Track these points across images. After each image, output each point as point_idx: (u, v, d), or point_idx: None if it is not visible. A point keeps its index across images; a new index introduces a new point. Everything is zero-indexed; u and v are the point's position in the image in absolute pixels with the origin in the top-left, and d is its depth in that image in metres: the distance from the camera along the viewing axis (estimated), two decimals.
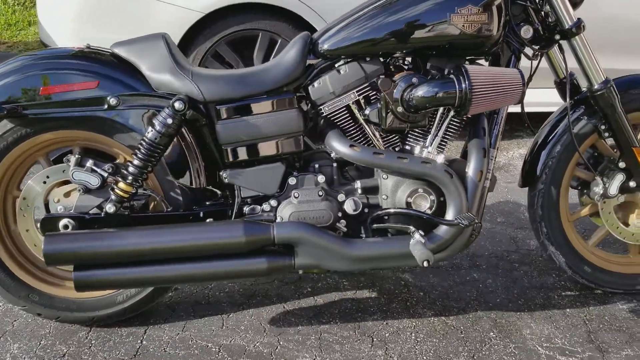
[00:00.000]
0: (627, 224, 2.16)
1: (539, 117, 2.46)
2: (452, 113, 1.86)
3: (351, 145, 1.80)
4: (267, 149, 1.82)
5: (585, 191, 2.18)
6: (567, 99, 1.94)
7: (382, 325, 2.07)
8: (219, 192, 1.96)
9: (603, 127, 2.01)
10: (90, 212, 1.81)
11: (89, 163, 1.77)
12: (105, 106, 1.74)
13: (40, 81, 1.73)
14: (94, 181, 1.77)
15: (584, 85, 2.02)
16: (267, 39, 3.06)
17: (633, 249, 2.25)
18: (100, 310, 1.95)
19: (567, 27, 1.86)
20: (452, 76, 1.74)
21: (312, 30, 3.09)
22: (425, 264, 1.65)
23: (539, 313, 2.15)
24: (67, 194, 1.85)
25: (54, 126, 1.80)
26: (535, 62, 1.96)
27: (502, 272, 2.39)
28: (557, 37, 1.88)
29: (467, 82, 1.69)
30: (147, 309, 2.04)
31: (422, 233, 1.78)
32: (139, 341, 1.96)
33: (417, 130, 1.90)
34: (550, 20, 1.92)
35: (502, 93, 1.73)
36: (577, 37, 1.88)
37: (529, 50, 1.94)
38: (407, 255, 1.79)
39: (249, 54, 3.09)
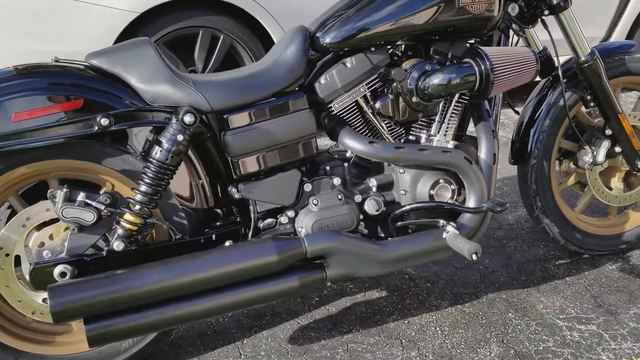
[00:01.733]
0: (610, 188, 2.25)
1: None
2: (456, 98, 1.81)
3: (370, 142, 1.69)
4: (281, 155, 1.66)
5: (568, 161, 2.24)
6: (559, 72, 1.96)
7: (404, 324, 1.99)
8: (220, 211, 1.76)
9: (589, 97, 2.06)
10: (87, 253, 1.55)
11: (81, 196, 1.51)
12: (95, 128, 1.48)
13: (10, 106, 1.44)
14: (88, 217, 1.52)
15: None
16: (208, 37, 2.84)
17: (612, 211, 2.35)
18: None
19: (555, 2, 1.88)
20: (468, 60, 1.69)
21: (256, 23, 2.94)
22: (474, 257, 1.59)
23: (543, 286, 2.18)
24: (51, 237, 1.57)
25: (30, 158, 1.51)
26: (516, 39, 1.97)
27: (495, 251, 2.41)
28: (547, 12, 1.89)
29: (487, 64, 1.65)
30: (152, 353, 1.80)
31: (454, 225, 1.72)
32: None
33: (422, 120, 1.83)
34: None
35: (519, 72, 1.71)
36: (565, 11, 1.91)
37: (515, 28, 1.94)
38: (440, 249, 1.73)
39: (189, 54, 2.86)
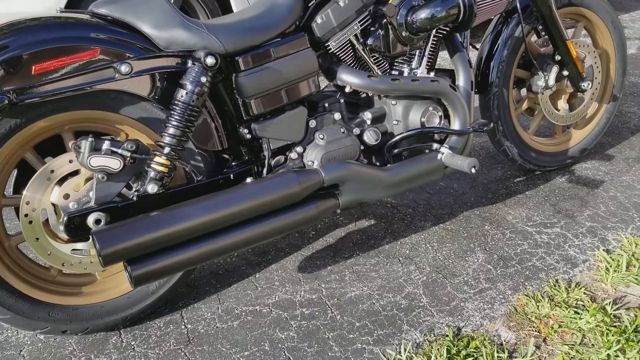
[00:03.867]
0: (557, 110, 2.52)
1: None
2: (433, 33, 1.97)
3: (369, 76, 1.82)
4: (289, 93, 1.76)
5: (518, 89, 2.49)
6: (517, 4, 2.16)
7: (397, 245, 2.18)
8: (228, 154, 1.84)
9: (540, 27, 2.29)
10: (115, 200, 1.59)
11: (106, 145, 1.53)
12: (116, 75, 1.51)
13: (29, 59, 1.43)
14: (115, 165, 1.55)
15: None
16: None
17: (558, 130, 2.65)
18: (134, 307, 1.75)
19: None
20: None
21: None
22: (473, 170, 1.78)
23: (508, 201, 2.45)
24: (76, 187, 1.59)
25: (49, 110, 1.51)
26: None
27: (460, 176, 2.64)
28: None
29: None
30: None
31: (447, 146, 1.90)
32: (183, 326, 1.81)
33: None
34: None
35: (495, 4, 1.88)
36: None
37: None
38: (436, 170, 1.91)
39: None
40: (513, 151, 2.47)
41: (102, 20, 1.56)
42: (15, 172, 1.68)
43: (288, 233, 1.74)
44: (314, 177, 1.71)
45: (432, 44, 1.99)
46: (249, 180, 1.74)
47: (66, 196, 1.58)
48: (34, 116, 1.50)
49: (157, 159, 1.56)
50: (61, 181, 1.59)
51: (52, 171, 1.56)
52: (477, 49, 2.42)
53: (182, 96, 1.56)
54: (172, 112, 1.57)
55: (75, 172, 1.60)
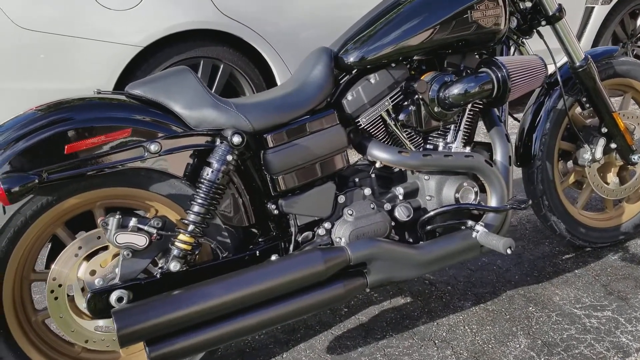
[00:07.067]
0: (607, 183, 2.40)
1: None
2: (469, 107, 1.93)
3: (399, 152, 1.79)
4: (317, 170, 1.74)
5: (564, 161, 2.40)
6: (558, 77, 2.11)
7: (434, 326, 2.07)
8: (257, 229, 1.82)
9: (584, 99, 2.22)
10: (139, 277, 1.59)
11: (133, 222, 1.55)
12: (145, 154, 1.54)
13: (62, 139, 1.48)
14: (141, 241, 1.55)
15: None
16: (209, 66, 2.92)
17: (609, 205, 2.51)
18: None
19: (551, 12, 2.03)
20: (485, 69, 1.81)
21: (254, 52, 3.03)
22: (509, 250, 1.69)
23: (556, 280, 2.31)
24: (103, 263, 1.60)
25: (80, 188, 1.55)
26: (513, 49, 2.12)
27: None
28: (544, 22, 2.05)
29: (504, 72, 1.78)
30: None
31: (482, 224, 1.82)
32: None
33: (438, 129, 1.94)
34: (527, 9, 2.08)
35: (532, 78, 1.84)
36: (560, 21, 2.06)
37: (514, 39, 2.09)
38: (470, 248, 1.83)
39: None
40: (560, 226, 2.35)
41: (136, 101, 1.61)
42: (49, 247, 1.71)
43: (314, 313, 1.69)
44: (340, 255, 1.66)
45: (468, 118, 1.95)
46: (273, 257, 1.71)
47: (92, 272, 1.59)
48: (65, 193, 1.53)
49: (180, 236, 1.56)
50: (89, 257, 1.61)
51: (80, 247, 1.58)
52: (518, 121, 2.36)
53: (207, 174, 1.57)
54: (197, 189, 1.58)
55: (105, 248, 1.62)
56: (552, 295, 2.20)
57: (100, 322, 1.60)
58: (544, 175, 2.27)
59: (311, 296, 1.64)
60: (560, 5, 2.06)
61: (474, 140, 2.09)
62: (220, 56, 2.91)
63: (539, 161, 2.26)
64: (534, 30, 2.12)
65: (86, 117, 1.52)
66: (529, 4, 2.08)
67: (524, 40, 2.13)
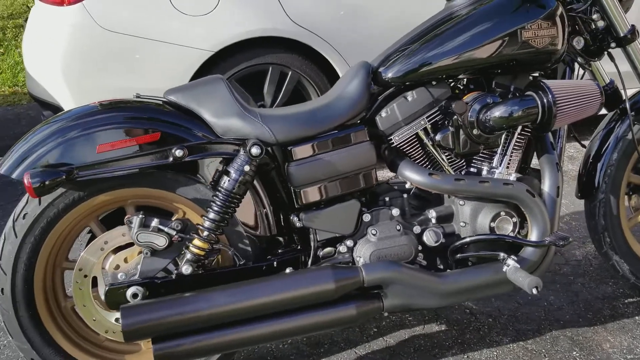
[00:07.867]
0: None
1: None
2: (518, 130, 1.81)
3: (430, 174, 1.72)
4: (342, 186, 1.71)
5: (638, 196, 2.18)
6: (627, 105, 1.92)
7: (463, 359, 1.97)
8: (282, 239, 1.82)
9: None
10: (158, 275, 1.64)
11: (154, 222, 1.61)
12: (170, 159, 1.59)
13: (95, 139, 1.56)
14: (161, 242, 1.61)
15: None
16: (277, 73, 2.96)
17: None
18: None
19: (622, 34, 1.86)
20: (530, 93, 1.70)
21: (322, 60, 3.03)
22: (535, 291, 1.57)
23: (611, 325, 2.11)
24: (126, 260, 1.68)
25: (110, 186, 1.63)
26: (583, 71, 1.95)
27: (561, 287, 2.34)
28: (613, 44, 1.88)
29: (550, 97, 1.65)
30: None
31: (515, 258, 1.70)
32: None
33: (483, 152, 1.84)
34: (598, 29, 1.91)
35: (583, 105, 1.70)
36: (632, 43, 1.88)
37: (580, 61, 1.93)
38: (500, 283, 1.72)
39: (259, 89, 2.98)
40: (623, 267, 2.15)
41: (170, 107, 1.67)
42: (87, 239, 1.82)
43: (324, 331, 1.66)
44: (353, 276, 1.62)
45: (516, 142, 1.83)
46: (287, 270, 1.70)
47: (117, 267, 1.67)
48: (95, 190, 1.62)
49: (195, 241, 1.60)
50: (117, 251, 1.69)
51: (106, 242, 1.66)
52: (584, 147, 2.18)
53: (224, 183, 1.59)
54: (215, 197, 1.61)
55: (131, 244, 1.69)
56: (603, 342, 2.02)
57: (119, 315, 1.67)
58: (607, 210, 2.08)
59: (320, 314, 1.61)
60: (633, 26, 1.88)
61: (530, 166, 1.96)
62: (289, 63, 2.95)
63: (602, 194, 2.07)
64: (604, 53, 1.95)
65: (120, 120, 1.60)
66: (601, 24, 1.91)
67: (593, 62, 1.96)
